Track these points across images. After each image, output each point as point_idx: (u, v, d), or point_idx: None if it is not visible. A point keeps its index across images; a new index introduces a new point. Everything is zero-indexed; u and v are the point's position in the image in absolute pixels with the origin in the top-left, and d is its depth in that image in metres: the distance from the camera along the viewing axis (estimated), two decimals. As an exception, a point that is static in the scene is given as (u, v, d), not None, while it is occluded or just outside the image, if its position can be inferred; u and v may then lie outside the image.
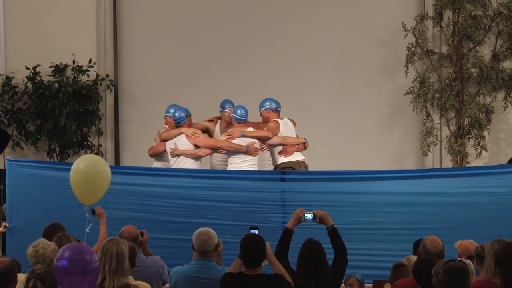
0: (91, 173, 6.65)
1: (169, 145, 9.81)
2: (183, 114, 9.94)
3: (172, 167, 9.63)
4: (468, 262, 5.98)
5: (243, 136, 9.71)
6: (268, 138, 9.83)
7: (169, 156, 9.80)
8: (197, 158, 9.70)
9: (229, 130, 9.86)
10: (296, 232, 6.82)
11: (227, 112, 10.21)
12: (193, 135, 9.70)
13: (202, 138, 9.78)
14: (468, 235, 7.56)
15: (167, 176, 9.16)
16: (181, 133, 9.79)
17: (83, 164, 6.69)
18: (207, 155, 9.81)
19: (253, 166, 9.65)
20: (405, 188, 8.77)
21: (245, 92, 12.82)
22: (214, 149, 9.81)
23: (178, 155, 9.64)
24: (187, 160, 9.62)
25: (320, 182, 8.88)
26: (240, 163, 9.63)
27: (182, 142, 9.73)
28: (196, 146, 9.69)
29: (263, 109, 10.05)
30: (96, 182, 6.69)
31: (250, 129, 9.84)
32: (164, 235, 8.62)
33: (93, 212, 7.29)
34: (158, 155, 10.02)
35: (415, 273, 5.98)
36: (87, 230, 6.59)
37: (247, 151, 9.66)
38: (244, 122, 9.94)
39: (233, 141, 9.67)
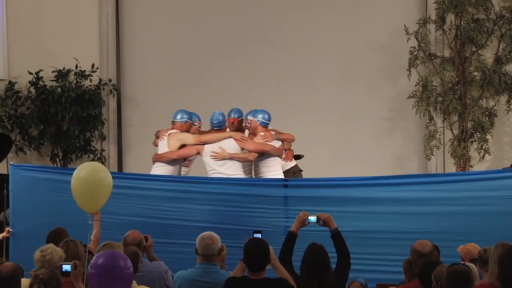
0: (92, 181, 6.66)
1: (211, 148, 9.45)
2: (221, 118, 9.70)
3: (217, 170, 9.38)
4: (472, 265, 5.98)
5: (277, 139, 9.66)
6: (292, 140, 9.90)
7: (208, 160, 9.44)
8: (245, 162, 9.46)
9: (262, 134, 9.57)
10: (299, 236, 6.84)
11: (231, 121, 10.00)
12: (242, 139, 9.48)
13: (251, 143, 9.46)
14: (471, 239, 7.55)
15: (170, 181, 9.15)
16: (230, 137, 9.48)
17: (84, 171, 6.69)
18: (255, 159, 9.50)
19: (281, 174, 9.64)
20: (408, 192, 8.76)
21: (247, 96, 12.85)
22: (261, 153, 9.51)
23: (227, 159, 9.36)
24: (237, 164, 9.44)
25: (323, 188, 8.88)
26: (275, 167, 9.55)
27: (229, 145, 9.43)
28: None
29: (255, 119, 9.82)
30: (98, 190, 6.69)
31: (273, 133, 9.75)
32: (168, 239, 8.63)
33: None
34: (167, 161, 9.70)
35: (420, 276, 5.98)
36: (91, 237, 6.60)
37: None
38: (268, 125, 9.78)
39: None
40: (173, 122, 9.79)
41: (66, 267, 5.70)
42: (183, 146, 9.55)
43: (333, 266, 6.38)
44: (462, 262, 6.42)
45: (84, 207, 6.67)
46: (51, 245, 6.30)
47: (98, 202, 6.71)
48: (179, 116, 9.78)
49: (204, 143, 9.48)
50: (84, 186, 6.62)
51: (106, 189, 6.69)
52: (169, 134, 9.62)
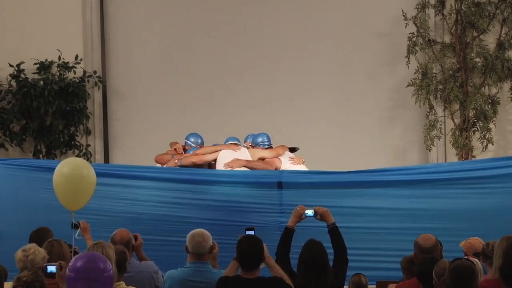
0: (75, 177, 6.64)
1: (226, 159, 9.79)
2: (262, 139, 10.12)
3: None
4: (476, 260, 5.98)
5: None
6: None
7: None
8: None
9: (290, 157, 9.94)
10: (296, 232, 6.82)
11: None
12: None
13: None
14: (475, 233, 7.55)
15: (157, 174, 9.12)
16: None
17: (66, 168, 6.67)
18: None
19: None
20: (408, 185, 8.75)
21: (238, 86, 12.83)
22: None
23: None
24: None
25: (319, 178, 8.87)
26: None
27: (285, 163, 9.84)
28: None
29: (255, 145, 10.11)
30: (81, 187, 6.67)
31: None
32: (157, 236, 8.60)
33: (75, 226, 7.16)
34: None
35: (418, 274, 5.97)
36: (76, 236, 6.56)
37: None
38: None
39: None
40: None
41: (51, 268, 5.65)
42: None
43: (331, 263, 6.37)
44: (466, 257, 6.41)
45: (67, 205, 6.66)
46: (33, 244, 6.26)
47: (81, 200, 6.70)
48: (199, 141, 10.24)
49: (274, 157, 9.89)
50: (67, 183, 6.60)
51: (89, 186, 6.68)
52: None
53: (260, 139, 10.16)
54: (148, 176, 9.08)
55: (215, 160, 9.82)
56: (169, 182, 8.98)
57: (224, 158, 9.70)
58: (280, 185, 8.90)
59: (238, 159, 9.66)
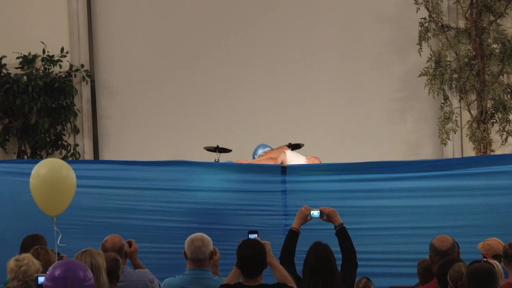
0: (54, 180, 6.64)
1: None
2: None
3: None
4: (495, 263, 6.00)
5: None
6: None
7: None
8: None
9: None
10: (301, 235, 6.85)
11: None
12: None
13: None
14: (494, 234, 7.57)
15: (152, 176, 9.11)
16: None
17: (44, 169, 6.68)
18: None
19: None
20: (422, 180, 8.74)
21: (237, 78, 12.85)
22: None
23: None
24: None
25: (325, 177, 8.87)
26: None
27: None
28: None
29: (257, 157, 10.25)
30: (60, 190, 6.68)
31: None
32: (152, 243, 8.61)
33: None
34: None
35: (438, 276, 6.00)
36: (58, 243, 6.53)
37: None
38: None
39: None
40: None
41: (42, 279, 5.66)
42: None
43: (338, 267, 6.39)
44: (484, 259, 6.43)
45: (46, 209, 6.65)
46: (28, 255, 6.27)
47: (61, 204, 6.70)
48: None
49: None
50: (45, 186, 6.59)
51: (69, 188, 6.67)
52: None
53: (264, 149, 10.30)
54: (140, 176, 9.06)
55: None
56: (165, 181, 8.97)
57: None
58: (284, 191, 8.92)
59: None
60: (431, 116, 13.02)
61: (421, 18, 12.56)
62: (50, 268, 4.42)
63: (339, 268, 6.36)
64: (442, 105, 12.62)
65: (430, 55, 12.56)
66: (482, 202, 8.61)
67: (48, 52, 12.83)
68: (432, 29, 12.57)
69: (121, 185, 8.94)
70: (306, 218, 6.96)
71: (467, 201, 8.64)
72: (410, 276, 7.45)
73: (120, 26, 13.34)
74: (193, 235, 6.56)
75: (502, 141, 12.41)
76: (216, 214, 8.79)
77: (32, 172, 6.67)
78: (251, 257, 6.03)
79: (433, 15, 12.57)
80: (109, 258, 6.28)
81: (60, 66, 12.89)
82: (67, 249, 6.94)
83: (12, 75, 12.74)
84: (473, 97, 12.61)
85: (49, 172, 6.66)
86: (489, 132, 12.50)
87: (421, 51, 12.50)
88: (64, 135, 13.04)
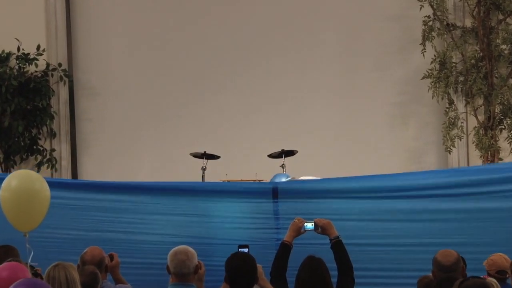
0: (26, 192, 6.62)
1: None
2: None
3: None
4: (493, 280, 6.01)
5: None
6: None
7: None
8: None
9: None
10: (293, 250, 6.86)
11: None
12: None
13: None
14: (503, 249, 7.58)
15: (134, 188, 9.12)
16: None
17: (15, 181, 6.66)
18: None
19: None
20: (424, 202, 8.75)
21: (227, 79, 12.86)
22: None
23: None
24: None
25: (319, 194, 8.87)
26: None
27: None
28: None
29: None
30: (33, 203, 6.66)
31: None
32: (133, 258, 8.61)
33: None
34: None
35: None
36: (29, 262, 6.49)
37: None
38: None
39: None
40: None
41: None
42: None
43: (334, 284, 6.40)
44: (483, 276, 6.45)
45: (17, 225, 6.62)
46: None
47: (34, 219, 6.66)
48: None
49: None
50: (16, 199, 6.58)
51: (43, 202, 6.65)
52: None
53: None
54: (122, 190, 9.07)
55: None
56: (149, 195, 8.97)
57: None
58: (275, 195, 8.91)
59: None
60: (435, 122, 13.05)
61: (424, 16, 12.61)
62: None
63: (334, 285, 6.37)
64: (447, 110, 12.66)
65: (434, 56, 12.60)
66: (492, 215, 8.62)
67: (23, 49, 12.83)
68: (436, 28, 12.61)
69: (100, 197, 8.94)
70: (299, 230, 6.97)
71: (475, 214, 8.65)
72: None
73: (101, 22, 13.35)
74: (176, 248, 6.55)
75: (511, 149, 12.44)
76: (202, 227, 8.79)
77: (3, 185, 6.66)
78: (240, 270, 6.04)
79: (438, 13, 12.61)
80: (87, 271, 6.28)
81: (36, 65, 12.88)
82: (43, 263, 6.95)
83: (-16, 75, 12.74)
84: (480, 101, 12.64)
85: (21, 185, 6.64)
86: (497, 139, 12.54)
87: (425, 51, 12.54)
88: (40, 139, 13.03)
